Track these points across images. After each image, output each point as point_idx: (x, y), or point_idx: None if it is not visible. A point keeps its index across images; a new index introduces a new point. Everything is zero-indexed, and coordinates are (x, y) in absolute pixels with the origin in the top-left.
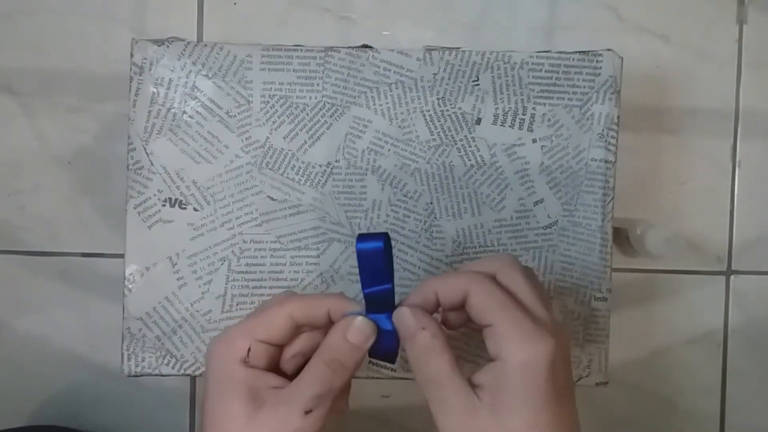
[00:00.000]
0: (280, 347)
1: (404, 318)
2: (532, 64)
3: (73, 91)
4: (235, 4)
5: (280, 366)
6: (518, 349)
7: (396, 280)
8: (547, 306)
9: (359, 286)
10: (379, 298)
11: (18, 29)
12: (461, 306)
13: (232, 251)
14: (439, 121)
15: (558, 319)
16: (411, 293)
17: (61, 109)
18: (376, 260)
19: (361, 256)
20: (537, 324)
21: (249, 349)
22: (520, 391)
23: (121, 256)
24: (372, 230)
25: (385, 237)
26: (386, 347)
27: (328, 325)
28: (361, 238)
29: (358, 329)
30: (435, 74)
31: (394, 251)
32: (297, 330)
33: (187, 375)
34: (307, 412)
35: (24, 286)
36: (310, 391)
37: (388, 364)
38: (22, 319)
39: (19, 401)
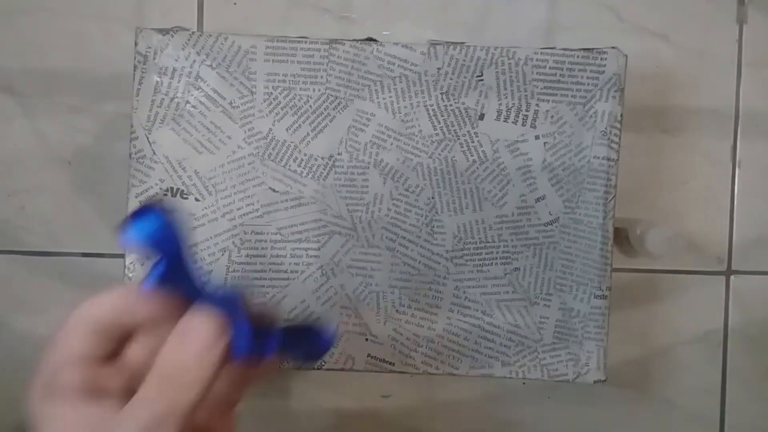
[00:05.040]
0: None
1: None
2: (537, 60)
3: (73, 91)
4: (235, 4)
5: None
6: None
7: (396, 275)
8: None
9: (360, 279)
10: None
11: (18, 29)
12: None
13: (233, 242)
14: (442, 115)
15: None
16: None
17: (61, 109)
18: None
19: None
20: None
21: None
22: None
23: (121, 256)
24: (373, 224)
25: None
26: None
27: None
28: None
29: (196, 334)
30: (439, 69)
31: (395, 245)
32: (114, 341)
33: None
34: None
35: (24, 286)
36: (143, 416)
37: (387, 358)
38: (21, 319)
39: (17, 401)
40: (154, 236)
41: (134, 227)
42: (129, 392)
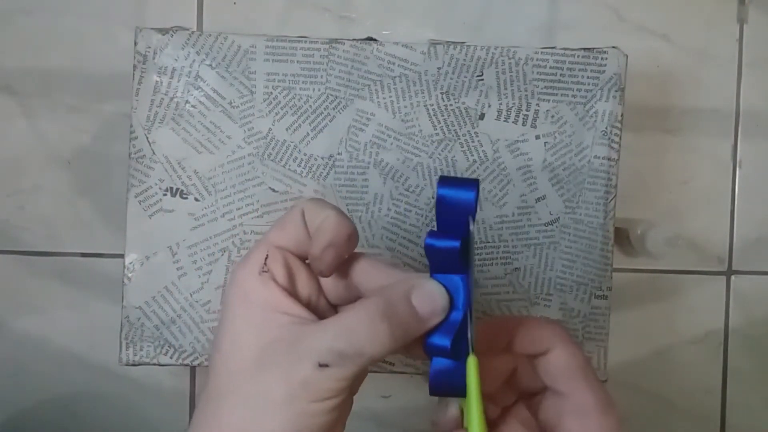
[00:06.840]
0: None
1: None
2: (537, 60)
3: (73, 91)
4: (235, 4)
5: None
6: (597, 425)
7: None
8: None
9: None
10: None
11: (18, 29)
12: (533, 357)
13: (233, 242)
14: (442, 115)
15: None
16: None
17: (61, 109)
18: (461, 216)
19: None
20: (608, 395)
21: (266, 257)
22: None
23: (121, 256)
24: (373, 224)
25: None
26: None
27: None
28: (446, 182)
29: (428, 294)
30: (439, 68)
31: (395, 245)
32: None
33: (186, 365)
34: (321, 366)
35: (23, 286)
36: (334, 342)
37: (386, 358)
38: (21, 319)
39: (17, 401)
40: (462, 206)
41: (450, 190)
42: (308, 303)
